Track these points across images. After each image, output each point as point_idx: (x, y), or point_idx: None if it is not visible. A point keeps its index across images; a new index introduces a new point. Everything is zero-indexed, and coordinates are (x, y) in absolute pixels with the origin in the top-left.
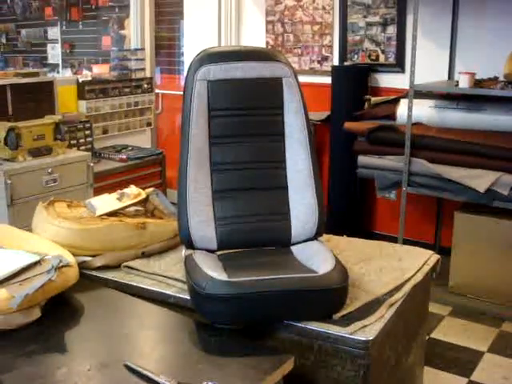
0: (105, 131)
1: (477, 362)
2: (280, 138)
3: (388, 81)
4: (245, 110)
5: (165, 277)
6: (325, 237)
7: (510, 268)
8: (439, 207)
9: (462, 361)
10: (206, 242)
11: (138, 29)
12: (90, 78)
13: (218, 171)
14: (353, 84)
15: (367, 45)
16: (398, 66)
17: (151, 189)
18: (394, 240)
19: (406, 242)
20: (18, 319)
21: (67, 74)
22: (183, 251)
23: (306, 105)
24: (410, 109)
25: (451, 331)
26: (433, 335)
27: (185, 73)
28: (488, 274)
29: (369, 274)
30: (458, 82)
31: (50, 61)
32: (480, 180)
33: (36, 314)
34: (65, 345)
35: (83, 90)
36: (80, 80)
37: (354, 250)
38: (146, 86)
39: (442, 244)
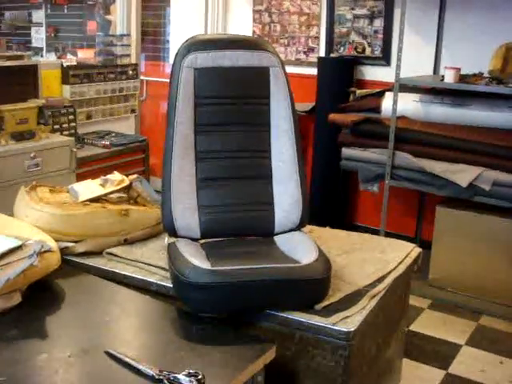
0: (89, 117)
1: (455, 355)
2: (266, 127)
3: (374, 74)
4: (231, 99)
5: (147, 264)
6: (308, 228)
7: (489, 262)
8: (421, 201)
9: (440, 353)
10: (189, 230)
11: (124, 14)
12: (74, 63)
13: (203, 159)
14: (338, 76)
15: (354, 37)
16: (384, 59)
17: (135, 176)
18: (375, 233)
19: (387, 234)
20: None
21: (51, 58)
22: (166, 239)
23: (292, 95)
24: (394, 102)
25: (430, 324)
26: (412, 327)
27: (170, 60)
28: (468, 268)
29: (351, 266)
30: (443, 76)
31: (34, 44)
32: (462, 174)
33: (16, 299)
34: (45, 331)
35: (67, 75)
36: (64, 64)
37: (336, 242)
38: (131, 72)
39: (423, 237)
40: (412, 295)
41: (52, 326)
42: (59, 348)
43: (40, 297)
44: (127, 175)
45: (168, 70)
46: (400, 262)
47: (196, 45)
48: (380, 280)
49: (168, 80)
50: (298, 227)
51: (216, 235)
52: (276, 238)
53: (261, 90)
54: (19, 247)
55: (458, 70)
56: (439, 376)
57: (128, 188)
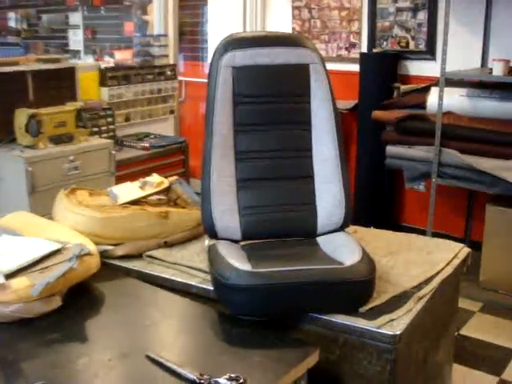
0: (127, 119)
1: (508, 360)
2: (306, 126)
3: (418, 68)
4: (271, 97)
5: (187, 267)
6: (351, 228)
7: None
8: (470, 199)
9: (492, 359)
10: (229, 232)
11: (161, 14)
12: (112, 65)
13: (243, 160)
14: (381, 72)
15: (397, 31)
16: (429, 52)
17: (174, 177)
18: (422, 233)
19: (435, 235)
20: (39, 307)
21: (89, 60)
22: (206, 241)
23: (333, 92)
24: (440, 97)
25: (482, 328)
26: (463, 331)
27: (209, 60)
28: None
29: (397, 267)
30: (491, 69)
31: (72, 47)
32: None
33: (57, 302)
34: (85, 335)
35: (105, 77)
36: (102, 66)
37: (381, 242)
38: (169, 72)
39: (473, 238)
40: (462, 298)
41: (92, 330)
42: (99, 352)
43: (80, 300)
44: (166, 177)
45: (207, 70)
46: (448, 263)
47: (234, 43)
48: (427, 282)
49: (207, 80)
50: (341, 228)
51: (257, 237)
52: (318, 239)
53: (301, 88)
54: (59, 251)
55: (507, 62)
56: (492, 382)
57: (167, 190)
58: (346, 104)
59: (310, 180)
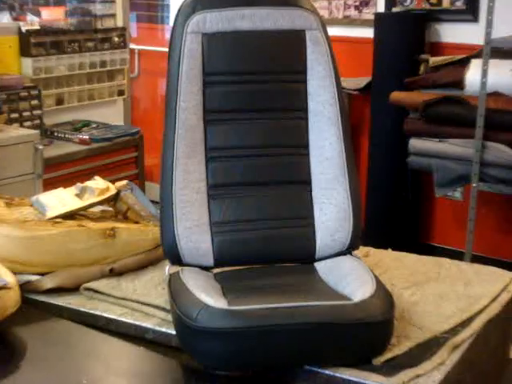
0: (59, 101)
1: None
2: (301, 114)
3: (454, 34)
4: (253, 76)
5: (141, 303)
6: (362, 250)
7: None
8: None
9: None
10: (198, 256)
11: None
12: (37, 27)
13: (216, 159)
14: (404, 39)
15: None
16: (470, 12)
17: (124, 182)
18: (458, 257)
19: (475, 259)
20: None
21: (3, 19)
22: (167, 268)
23: (337, 68)
24: (484, 73)
25: None
26: None
27: (171, 22)
28: None
29: (424, 304)
30: None
31: None
32: None
33: None
34: None
35: (28, 43)
36: (23, 29)
37: (403, 270)
38: (116, 39)
39: None
40: None
41: None
42: None
43: None
44: (113, 181)
45: (168, 35)
46: (494, 299)
47: (204, 1)
48: (465, 324)
49: (167, 49)
50: (348, 250)
51: (235, 262)
52: (317, 266)
53: (294, 63)
54: None
55: None
56: None
57: (115, 199)
58: (355, 83)
59: (306, 186)
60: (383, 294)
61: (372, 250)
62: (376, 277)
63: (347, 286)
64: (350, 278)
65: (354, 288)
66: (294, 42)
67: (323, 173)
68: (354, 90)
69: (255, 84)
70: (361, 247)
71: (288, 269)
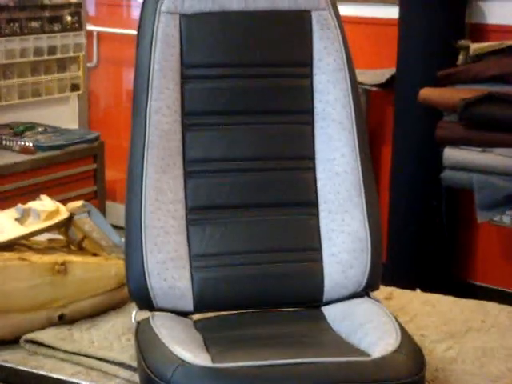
0: None
1: None
2: (306, 117)
3: (503, 13)
4: (245, 69)
5: (100, 359)
6: (383, 291)
7: None
8: None
9: None
10: (174, 298)
11: None
12: None
13: (198, 175)
14: (437, 19)
15: None
16: None
17: (79, 202)
18: (508, 299)
19: None
20: None
21: None
22: (133, 314)
23: (351, 59)
24: None
25: None
26: None
27: None
28: None
29: (463, 360)
30: None
31: None
32: None
33: None
34: None
35: None
36: None
37: (435, 317)
38: (68, 18)
39: None
40: None
41: None
42: None
43: None
44: (65, 202)
45: (136, 13)
46: None
47: None
48: None
49: (135, 33)
50: (365, 290)
51: (220, 306)
52: (326, 311)
53: (297, 52)
54: None
55: None
56: None
57: (67, 225)
58: (374, 76)
59: (311, 209)
60: (410, 349)
61: (396, 291)
62: (401, 326)
63: (364, 338)
64: (368, 328)
65: (372, 340)
66: (296, 25)
67: (333, 192)
68: (374, 86)
69: (247, 79)
70: (381, 287)
71: (288, 315)
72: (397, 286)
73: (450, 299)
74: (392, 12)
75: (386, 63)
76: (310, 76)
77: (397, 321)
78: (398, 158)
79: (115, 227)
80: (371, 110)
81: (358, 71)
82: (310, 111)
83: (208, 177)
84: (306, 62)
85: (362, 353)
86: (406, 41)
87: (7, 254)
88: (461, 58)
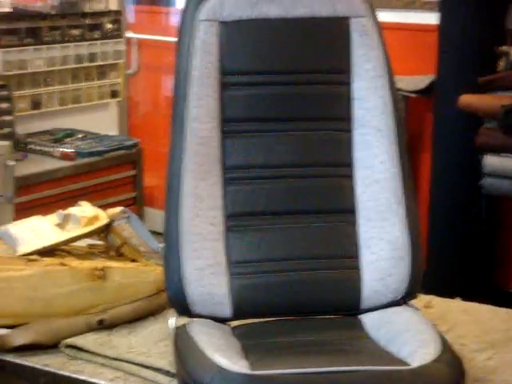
0: (36, 105)
1: None
2: (344, 124)
3: None
4: (283, 76)
5: (138, 365)
6: (422, 300)
7: None
8: None
9: None
10: (212, 305)
11: None
12: (8, 9)
13: (236, 181)
14: (478, 25)
15: None
16: None
17: (118, 209)
18: None
19: None
20: None
21: None
22: (172, 320)
23: (391, 65)
24: None
25: None
26: None
27: (179, 3)
28: None
29: (504, 370)
30: None
31: None
32: None
33: None
34: None
35: None
36: None
37: (475, 325)
38: (109, 26)
39: None
40: None
41: None
42: None
43: None
44: (105, 208)
45: (175, 20)
46: None
47: None
48: None
49: (175, 39)
50: (404, 299)
51: (259, 313)
52: (364, 319)
53: (335, 59)
54: None
55: None
56: None
57: (106, 230)
58: (413, 83)
59: (349, 216)
60: (450, 358)
61: (435, 300)
62: (440, 335)
63: (403, 347)
64: (407, 336)
65: (411, 349)
66: (335, 32)
67: (372, 200)
68: (413, 92)
69: (286, 86)
70: (420, 295)
71: (326, 323)
72: (436, 295)
73: (490, 308)
74: (432, 18)
75: (425, 69)
76: (348, 83)
77: (436, 330)
78: (438, 165)
79: (154, 233)
80: (410, 117)
81: (397, 77)
82: (348, 118)
83: (246, 183)
84: (345, 69)
85: (401, 362)
86: (446, 47)
87: (48, 260)
88: (501, 64)
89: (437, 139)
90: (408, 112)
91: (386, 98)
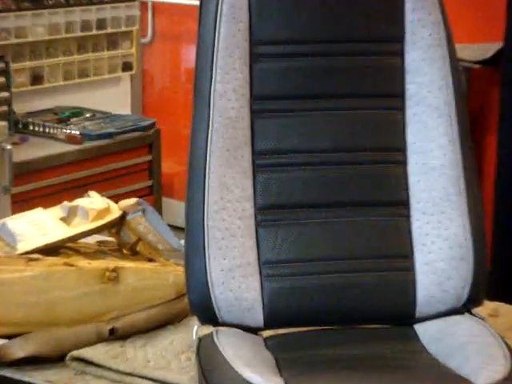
0: (36, 79)
1: None
2: (396, 101)
3: None
4: (324, 45)
5: (156, 381)
6: (487, 307)
7: None
8: None
9: None
10: (241, 312)
11: None
12: None
13: (269, 169)
14: None
15: None
16: None
17: (132, 200)
18: None
19: None
20: None
21: None
22: (195, 329)
23: (451, 32)
24: None
25: None
26: None
27: None
28: None
29: None
30: None
31: None
32: None
33: None
34: None
35: None
36: None
37: None
38: None
39: None
40: None
41: None
42: None
43: None
44: (117, 199)
45: None
46: None
47: None
48: None
49: (197, 3)
50: (466, 306)
51: (295, 321)
52: (419, 329)
53: (386, 26)
54: None
55: None
56: None
57: (119, 225)
58: (477, 52)
59: (401, 209)
60: None
61: (503, 307)
62: (510, 349)
63: (465, 362)
64: (470, 350)
65: (475, 365)
66: None
67: (428, 190)
68: (476, 63)
69: (326, 58)
70: (486, 302)
71: (374, 333)
72: (504, 301)
73: None
74: None
75: (491, 35)
76: (400, 53)
77: (505, 342)
78: (505, 148)
79: (173, 228)
80: (473, 92)
81: (458, 46)
82: (401, 95)
83: (281, 171)
84: (397, 37)
85: (464, 380)
86: None
87: (51, 259)
88: None
89: (504, 118)
90: (470, 86)
91: (445, 71)
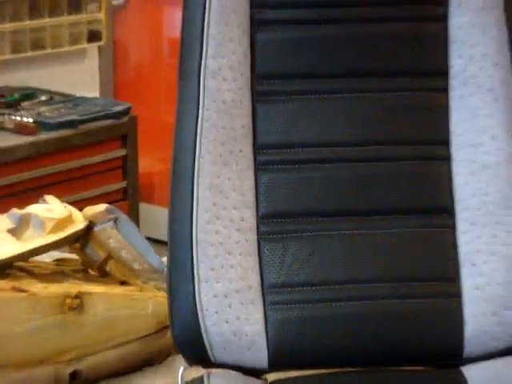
0: None
1: None
2: (437, 80)
3: None
4: (345, 10)
5: None
6: None
7: None
8: None
9: None
10: (239, 349)
11: None
12: None
13: (274, 167)
14: None
15: None
16: None
17: (101, 206)
18: None
19: None
20: None
21: None
22: (180, 371)
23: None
24: None
25: None
26: None
27: None
28: None
29: None
30: None
31: None
32: None
33: None
34: None
35: None
36: None
37: None
38: None
39: None
40: None
41: None
42: None
43: None
44: (80, 205)
45: None
46: None
47: None
48: None
49: None
50: None
51: (308, 362)
52: (468, 372)
53: None
54: None
55: None
56: None
57: (83, 238)
58: None
59: (445, 218)
60: None
61: None
62: None
63: None
64: None
65: None
66: None
67: (478, 194)
68: None
69: (349, 25)
70: None
71: (410, 378)
72: None
73: None
74: None
75: None
76: (444, 19)
77: None
78: None
79: (153, 242)
80: None
81: None
82: (444, 72)
83: (289, 170)
84: (438, 2)
85: None
86: None
87: None
88: None
89: None
90: None
91: (500, 41)
